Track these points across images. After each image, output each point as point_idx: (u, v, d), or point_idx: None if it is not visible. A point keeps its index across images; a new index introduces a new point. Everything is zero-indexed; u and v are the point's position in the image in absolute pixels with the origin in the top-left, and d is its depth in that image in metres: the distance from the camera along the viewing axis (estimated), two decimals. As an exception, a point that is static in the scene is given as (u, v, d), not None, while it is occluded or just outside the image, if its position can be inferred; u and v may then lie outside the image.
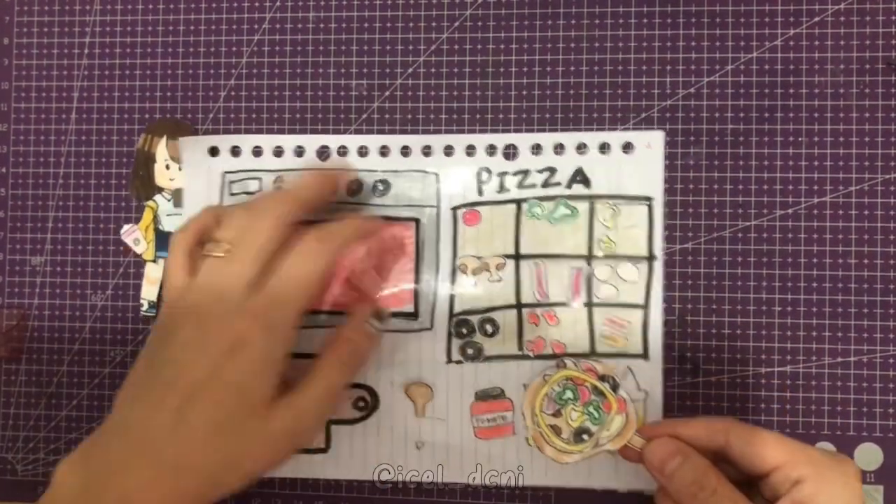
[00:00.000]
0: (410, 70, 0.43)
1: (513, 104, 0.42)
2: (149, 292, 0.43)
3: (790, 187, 0.41)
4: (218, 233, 0.36)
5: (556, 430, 0.39)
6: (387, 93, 0.43)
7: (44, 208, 0.44)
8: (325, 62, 0.43)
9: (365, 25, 0.43)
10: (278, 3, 0.43)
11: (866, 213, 0.40)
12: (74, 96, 0.44)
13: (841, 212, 0.40)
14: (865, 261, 0.40)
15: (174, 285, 0.36)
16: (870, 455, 0.40)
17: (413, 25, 0.43)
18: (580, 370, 0.39)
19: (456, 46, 0.43)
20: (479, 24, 0.42)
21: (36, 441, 0.44)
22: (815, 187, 0.41)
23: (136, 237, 0.43)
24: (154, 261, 0.43)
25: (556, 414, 0.40)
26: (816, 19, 0.41)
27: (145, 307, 0.43)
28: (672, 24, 0.41)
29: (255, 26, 0.43)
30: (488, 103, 0.42)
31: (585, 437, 0.39)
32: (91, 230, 0.44)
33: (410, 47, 0.43)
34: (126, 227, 0.44)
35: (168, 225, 0.43)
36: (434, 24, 0.43)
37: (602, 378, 0.39)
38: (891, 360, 0.40)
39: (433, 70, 0.43)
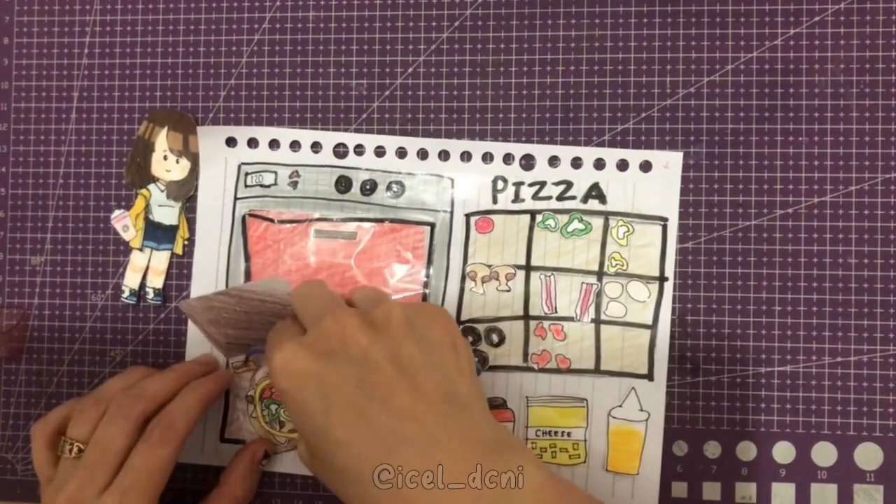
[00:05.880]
0: (410, 70, 0.43)
1: (513, 104, 0.42)
2: (131, 279, 0.43)
3: (790, 187, 0.41)
4: (69, 430, 0.37)
5: (281, 425, 0.42)
6: (387, 92, 0.43)
7: (44, 208, 0.44)
8: (325, 62, 0.43)
9: (365, 25, 0.43)
10: (278, 3, 0.43)
11: (866, 213, 0.40)
12: (74, 96, 0.44)
13: (841, 212, 0.40)
14: (865, 261, 0.40)
15: (43, 480, 0.37)
16: (870, 455, 0.40)
17: (413, 25, 0.43)
18: (261, 385, 0.42)
19: (456, 46, 0.43)
20: (479, 23, 0.42)
21: (36, 441, 0.44)
22: (815, 187, 0.41)
23: (125, 223, 0.43)
24: (141, 249, 0.43)
25: (282, 424, 0.42)
26: (816, 19, 0.41)
27: (126, 294, 0.43)
28: (672, 23, 0.41)
29: (256, 26, 0.43)
30: (488, 103, 0.42)
31: None
32: (91, 230, 0.44)
33: (410, 47, 0.43)
34: (117, 212, 0.44)
35: (159, 215, 0.43)
36: (434, 23, 0.43)
37: None
38: (891, 360, 0.40)
39: (433, 70, 0.43)
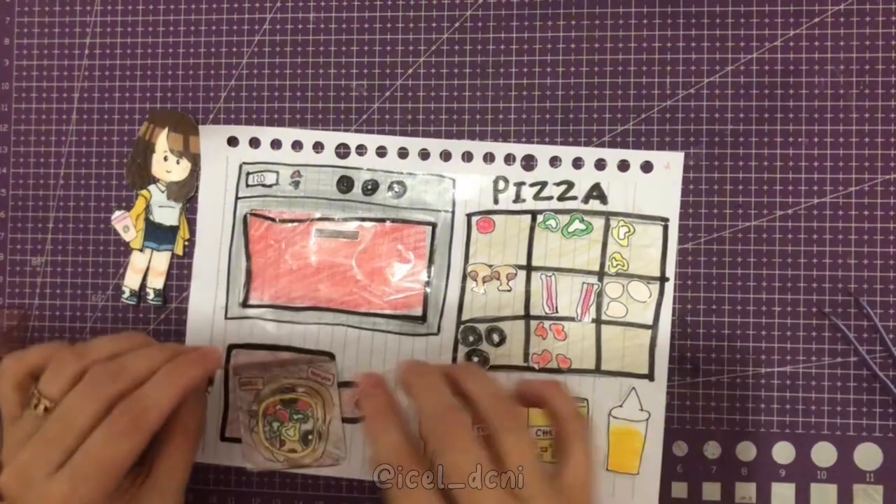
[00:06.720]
0: (410, 71, 0.43)
1: (513, 105, 0.42)
2: (131, 280, 0.44)
3: (790, 187, 0.41)
4: (41, 381, 0.34)
5: (282, 443, 0.42)
6: (387, 93, 0.43)
7: (44, 208, 0.44)
8: (325, 62, 0.43)
9: (365, 26, 0.43)
10: (279, 4, 0.43)
11: (866, 213, 0.40)
12: (75, 97, 0.44)
13: (841, 212, 0.40)
14: (865, 261, 0.40)
15: (7, 418, 0.35)
16: (870, 455, 0.40)
17: (413, 26, 0.43)
18: (265, 402, 0.42)
19: (456, 47, 0.43)
20: (480, 24, 0.42)
21: (36, 441, 0.44)
22: (815, 187, 0.41)
23: (125, 224, 0.43)
24: (141, 250, 0.44)
25: (282, 442, 0.42)
26: (816, 19, 0.41)
27: (126, 294, 0.44)
28: (672, 24, 0.42)
29: (256, 27, 0.44)
30: (488, 104, 0.42)
31: (310, 437, 0.41)
32: (91, 231, 0.44)
33: (410, 48, 0.43)
34: (117, 213, 0.44)
35: (159, 216, 0.43)
36: (434, 24, 0.43)
37: (283, 391, 0.42)
38: (890, 361, 0.40)
39: (433, 71, 0.43)
